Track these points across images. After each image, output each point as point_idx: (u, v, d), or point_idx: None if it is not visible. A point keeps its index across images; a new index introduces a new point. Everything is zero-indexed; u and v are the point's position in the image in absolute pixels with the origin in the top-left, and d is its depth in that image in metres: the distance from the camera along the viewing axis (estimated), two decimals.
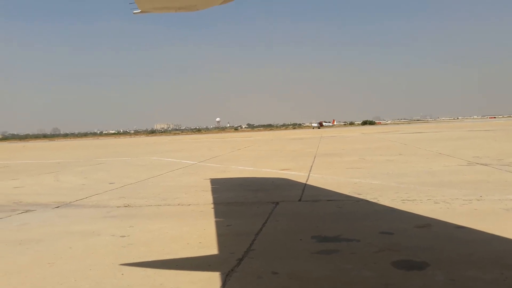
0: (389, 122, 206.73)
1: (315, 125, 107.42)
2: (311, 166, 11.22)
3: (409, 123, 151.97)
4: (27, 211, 6.57)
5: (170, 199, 7.08)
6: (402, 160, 11.88)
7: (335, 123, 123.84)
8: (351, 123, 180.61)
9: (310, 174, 9.42)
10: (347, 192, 6.78)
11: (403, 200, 5.97)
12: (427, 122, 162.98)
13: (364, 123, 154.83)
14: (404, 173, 8.95)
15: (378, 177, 8.48)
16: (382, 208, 5.52)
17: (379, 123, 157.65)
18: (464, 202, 5.62)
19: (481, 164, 9.83)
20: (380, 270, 3.27)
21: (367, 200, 6.07)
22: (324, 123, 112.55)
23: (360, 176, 8.66)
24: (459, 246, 3.77)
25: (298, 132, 67.07)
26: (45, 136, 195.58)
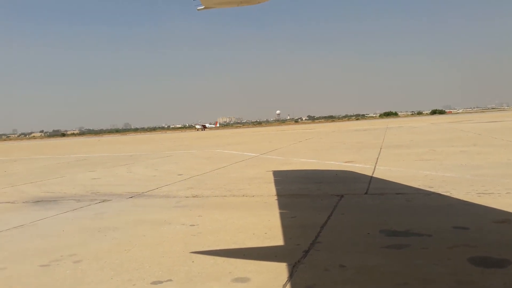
0: (460, 111, 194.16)
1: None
2: (377, 158, 10.87)
3: (483, 111, 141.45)
4: (104, 200, 7.04)
5: (235, 190, 7.23)
6: (476, 151, 11.12)
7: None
8: (419, 113, 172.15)
9: (376, 167, 9.13)
10: (417, 185, 6.49)
11: (479, 193, 5.60)
12: (503, 110, 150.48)
13: (433, 112, 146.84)
14: (479, 164, 8.37)
15: (450, 169, 8.02)
16: (456, 202, 5.22)
17: (450, 112, 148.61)
18: None
19: None
20: (455, 266, 3.10)
21: (439, 194, 5.76)
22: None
23: (431, 168, 8.24)
24: None
25: (361, 123, 65.20)
26: (117, 131, 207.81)
